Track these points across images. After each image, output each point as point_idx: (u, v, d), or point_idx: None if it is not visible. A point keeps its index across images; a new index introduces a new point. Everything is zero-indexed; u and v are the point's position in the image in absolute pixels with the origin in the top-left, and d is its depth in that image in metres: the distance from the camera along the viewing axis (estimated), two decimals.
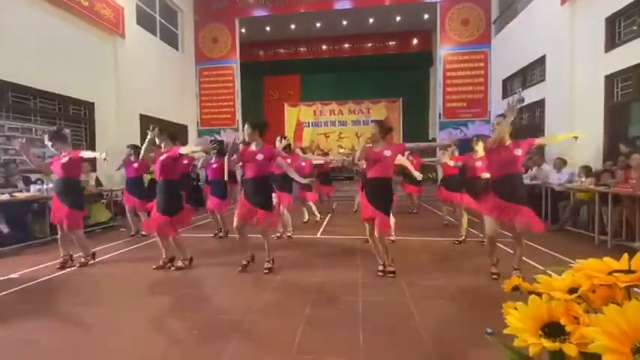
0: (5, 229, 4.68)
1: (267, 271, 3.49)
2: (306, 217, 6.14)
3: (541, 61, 7.80)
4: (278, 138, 4.47)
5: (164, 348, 2.14)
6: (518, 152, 3.07)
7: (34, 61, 6.14)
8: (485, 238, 3.28)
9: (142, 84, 8.73)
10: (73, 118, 7.16)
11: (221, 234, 5.37)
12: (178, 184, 3.73)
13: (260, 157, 3.43)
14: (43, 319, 2.57)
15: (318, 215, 6.16)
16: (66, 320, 2.57)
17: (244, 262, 3.60)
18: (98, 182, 6.67)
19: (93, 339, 2.29)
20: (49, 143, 3.80)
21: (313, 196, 5.98)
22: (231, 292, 3.10)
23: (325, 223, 6.41)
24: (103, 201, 6.47)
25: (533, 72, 8.38)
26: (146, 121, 9.07)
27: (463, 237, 4.74)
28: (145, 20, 9.34)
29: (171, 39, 10.65)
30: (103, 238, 5.41)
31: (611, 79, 5.99)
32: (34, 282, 3.37)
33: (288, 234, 5.15)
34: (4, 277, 3.51)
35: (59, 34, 6.66)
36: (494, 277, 3.21)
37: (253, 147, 3.50)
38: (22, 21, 5.98)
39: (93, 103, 7.48)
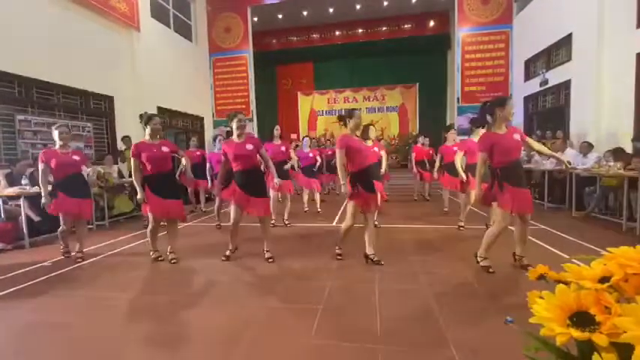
0: (36, 218, 4.93)
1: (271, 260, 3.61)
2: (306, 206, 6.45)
3: (567, 40, 7.40)
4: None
5: (184, 333, 2.23)
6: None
7: (55, 58, 6.32)
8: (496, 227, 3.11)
9: (158, 76, 8.87)
10: (95, 112, 7.38)
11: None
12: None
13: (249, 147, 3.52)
14: (75, 305, 2.72)
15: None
16: (95, 306, 2.71)
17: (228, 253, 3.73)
18: (120, 174, 6.89)
19: (117, 323, 2.40)
20: (63, 136, 3.79)
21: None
22: (246, 281, 3.18)
23: (340, 212, 6.43)
24: (125, 192, 6.70)
25: (558, 51, 7.96)
26: (164, 114, 9.27)
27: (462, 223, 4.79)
28: (158, 12, 9.42)
29: (185, 30, 10.71)
30: (127, 228, 5.62)
31: None
32: (65, 269, 3.56)
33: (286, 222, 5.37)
34: (38, 265, 3.72)
35: (78, 31, 6.81)
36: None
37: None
38: (43, 19, 6.14)
39: (112, 97, 7.67)
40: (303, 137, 7.15)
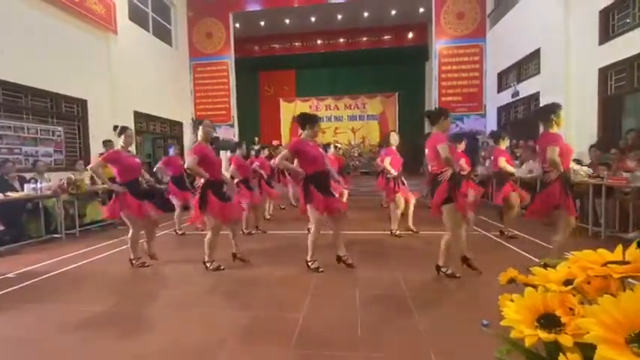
0: (0, 227, 4.65)
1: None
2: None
3: (536, 55, 7.82)
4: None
5: (162, 345, 2.14)
6: None
7: (25, 59, 6.04)
8: None
9: (135, 80, 8.64)
10: (66, 115, 7.08)
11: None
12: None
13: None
14: (38, 318, 2.57)
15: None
16: (60, 319, 2.56)
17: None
18: (92, 180, 6.61)
19: (87, 338, 2.28)
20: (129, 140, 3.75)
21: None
22: (228, 288, 3.11)
23: None
24: (98, 199, 6.42)
25: (527, 65, 8.40)
26: (140, 118, 9.02)
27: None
28: (137, 16, 9.22)
29: (164, 35, 10.52)
30: (99, 237, 5.38)
31: (604, 72, 6.02)
32: (31, 281, 3.35)
33: None
34: (1, 277, 3.49)
35: (50, 31, 6.56)
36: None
37: None
38: (12, 18, 5.88)
39: (86, 101, 7.39)
40: (328, 144, 7.10)
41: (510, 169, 4.62)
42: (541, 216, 3.10)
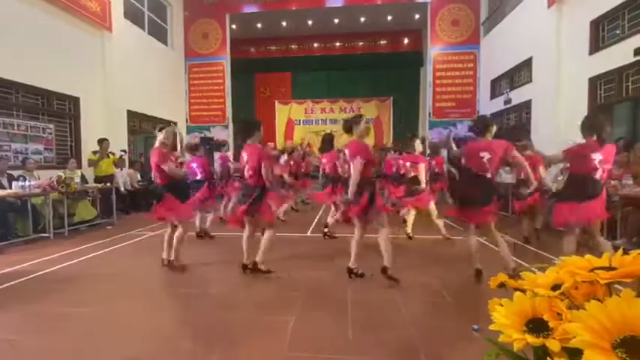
0: None
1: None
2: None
3: (528, 63, 7.94)
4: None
5: (152, 347, 2.11)
6: None
7: (16, 54, 5.95)
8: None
9: (129, 79, 8.56)
10: (57, 113, 6.98)
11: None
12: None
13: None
14: (23, 320, 2.51)
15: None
16: (46, 321, 2.50)
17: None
18: (83, 179, 6.52)
19: (74, 340, 2.24)
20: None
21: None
22: (221, 290, 3.08)
23: (315, 221, 6.42)
24: (88, 198, 6.33)
25: (520, 73, 8.53)
26: (134, 118, 8.93)
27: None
28: (133, 14, 9.16)
29: (160, 34, 10.46)
30: (88, 236, 5.30)
31: (594, 81, 6.14)
32: (17, 281, 3.28)
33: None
34: None
35: (43, 27, 6.47)
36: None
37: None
38: (4, 13, 5.78)
39: (78, 98, 7.30)
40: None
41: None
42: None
